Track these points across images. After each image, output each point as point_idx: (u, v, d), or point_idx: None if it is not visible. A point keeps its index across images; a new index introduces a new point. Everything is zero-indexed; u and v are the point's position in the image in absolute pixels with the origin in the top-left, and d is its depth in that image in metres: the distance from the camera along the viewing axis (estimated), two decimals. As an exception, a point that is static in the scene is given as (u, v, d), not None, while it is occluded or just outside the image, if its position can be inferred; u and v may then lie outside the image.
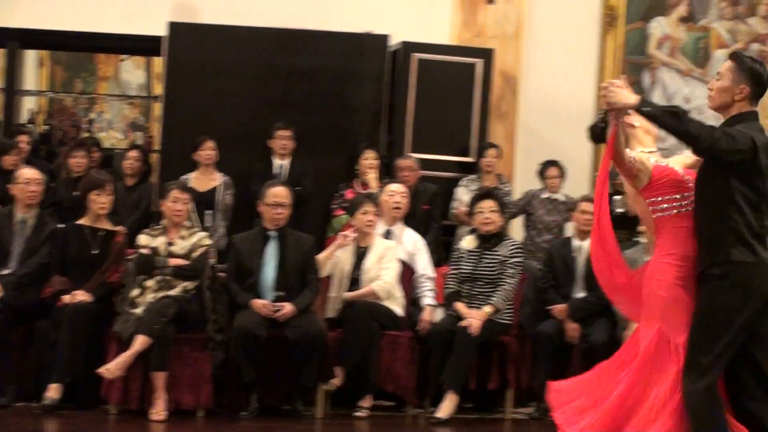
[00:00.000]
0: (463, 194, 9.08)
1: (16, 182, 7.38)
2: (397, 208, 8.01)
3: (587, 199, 8.01)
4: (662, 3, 10.82)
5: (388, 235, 7.95)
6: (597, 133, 5.10)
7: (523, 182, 10.00)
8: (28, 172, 7.51)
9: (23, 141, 9.26)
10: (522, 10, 10.45)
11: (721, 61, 9.85)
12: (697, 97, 10.54)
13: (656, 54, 10.84)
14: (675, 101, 10.56)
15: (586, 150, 10.14)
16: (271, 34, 9.57)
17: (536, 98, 10.53)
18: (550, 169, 9.22)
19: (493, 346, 7.51)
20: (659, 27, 10.79)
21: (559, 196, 9.17)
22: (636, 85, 10.51)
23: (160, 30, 9.36)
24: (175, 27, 9.42)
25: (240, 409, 7.01)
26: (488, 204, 7.68)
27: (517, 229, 9.56)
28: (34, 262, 7.18)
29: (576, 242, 7.87)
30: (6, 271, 7.15)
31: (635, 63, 10.86)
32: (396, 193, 8.07)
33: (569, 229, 8.49)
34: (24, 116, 11.55)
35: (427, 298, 7.83)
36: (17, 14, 10.20)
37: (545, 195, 9.24)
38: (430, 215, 8.94)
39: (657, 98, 10.58)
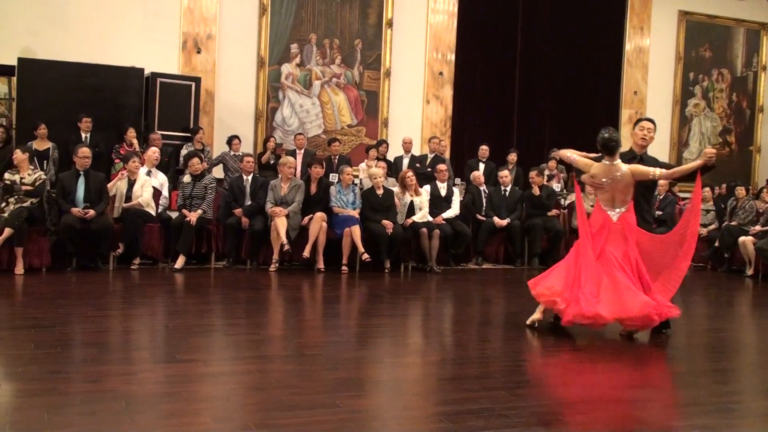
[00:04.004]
0: (184, 153, 9.94)
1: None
2: (156, 160, 9.18)
3: (248, 155, 9.41)
4: (288, 55, 11.90)
5: (149, 173, 8.99)
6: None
7: (219, 147, 11.09)
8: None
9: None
10: (214, 58, 11.38)
11: (317, 87, 11.72)
12: (306, 104, 12.14)
13: (285, 82, 11.97)
14: (295, 107, 11.97)
15: (250, 130, 11.77)
16: (78, 65, 10.19)
17: (224, 104, 11.64)
18: (234, 140, 10.61)
19: (204, 230, 8.80)
20: (286, 68, 11.96)
21: (239, 154, 10.30)
22: (275, 99, 11.82)
23: (14, 61, 9.92)
24: (21, 61, 9.94)
25: (66, 267, 8.02)
26: (196, 160, 8.91)
27: (219, 171, 10.52)
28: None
29: (245, 177, 9.11)
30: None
31: (274, 87, 11.87)
32: (154, 152, 9.23)
33: (242, 170, 9.21)
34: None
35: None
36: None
37: (232, 153, 10.50)
38: (169, 163, 10.03)
39: (286, 106, 11.87)
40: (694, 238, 5.54)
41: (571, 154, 5.78)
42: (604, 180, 5.56)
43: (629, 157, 5.77)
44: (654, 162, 5.81)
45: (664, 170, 5.59)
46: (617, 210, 5.63)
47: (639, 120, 5.96)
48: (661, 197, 10.97)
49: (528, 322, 5.83)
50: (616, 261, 5.48)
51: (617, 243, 5.56)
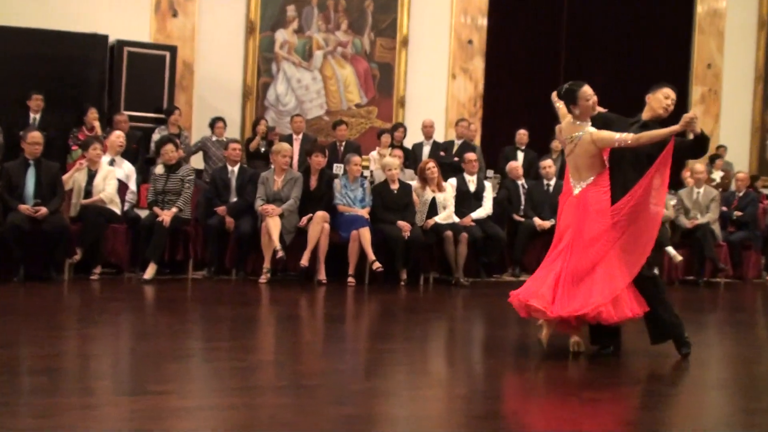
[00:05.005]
0: (156, 138, 10.05)
1: None
2: (120, 146, 9.18)
3: (234, 140, 9.65)
4: (283, 19, 11.94)
5: (112, 163, 8.99)
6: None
7: (198, 132, 11.20)
8: None
9: None
10: (194, 21, 11.44)
11: (319, 58, 11.89)
12: (305, 79, 12.22)
13: (280, 52, 12.04)
14: (292, 83, 12.02)
15: (236, 110, 11.80)
16: (27, 32, 10.18)
17: (205, 79, 11.69)
18: (217, 123, 10.69)
19: (179, 232, 8.77)
20: (281, 35, 12.00)
21: (223, 139, 10.44)
22: (267, 73, 11.91)
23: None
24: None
25: (12, 276, 8.02)
26: (170, 146, 8.91)
27: (198, 161, 10.70)
28: None
29: (230, 168, 9.21)
30: None
31: (267, 57, 11.96)
32: (118, 137, 9.23)
33: (227, 160, 9.34)
34: None
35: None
36: None
37: (214, 138, 10.63)
38: (138, 151, 10.05)
39: (281, 81, 11.99)
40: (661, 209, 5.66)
41: (557, 101, 5.94)
42: (565, 138, 5.72)
43: (632, 122, 5.80)
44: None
45: (629, 135, 5.47)
46: (581, 183, 5.68)
47: (663, 85, 5.84)
48: (741, 194, 10.90)
49: (571, 348, 5.78)
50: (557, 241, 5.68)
51: (569, 219, 5.65)
